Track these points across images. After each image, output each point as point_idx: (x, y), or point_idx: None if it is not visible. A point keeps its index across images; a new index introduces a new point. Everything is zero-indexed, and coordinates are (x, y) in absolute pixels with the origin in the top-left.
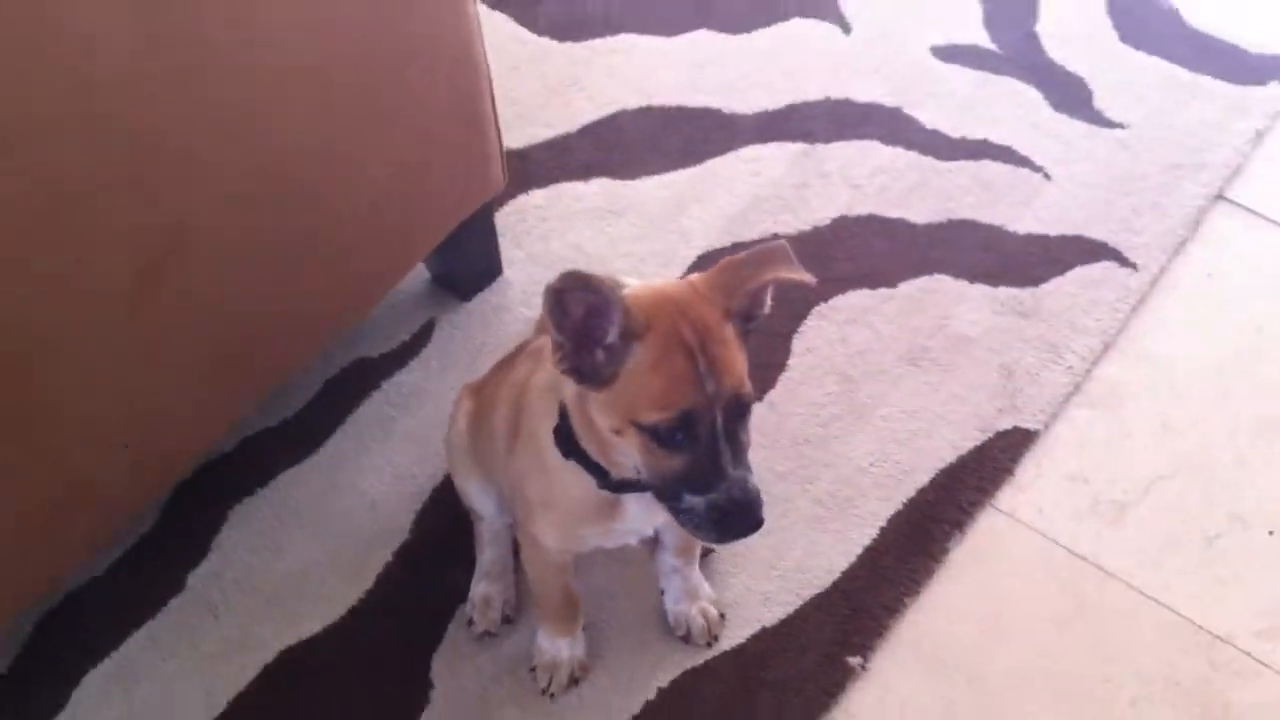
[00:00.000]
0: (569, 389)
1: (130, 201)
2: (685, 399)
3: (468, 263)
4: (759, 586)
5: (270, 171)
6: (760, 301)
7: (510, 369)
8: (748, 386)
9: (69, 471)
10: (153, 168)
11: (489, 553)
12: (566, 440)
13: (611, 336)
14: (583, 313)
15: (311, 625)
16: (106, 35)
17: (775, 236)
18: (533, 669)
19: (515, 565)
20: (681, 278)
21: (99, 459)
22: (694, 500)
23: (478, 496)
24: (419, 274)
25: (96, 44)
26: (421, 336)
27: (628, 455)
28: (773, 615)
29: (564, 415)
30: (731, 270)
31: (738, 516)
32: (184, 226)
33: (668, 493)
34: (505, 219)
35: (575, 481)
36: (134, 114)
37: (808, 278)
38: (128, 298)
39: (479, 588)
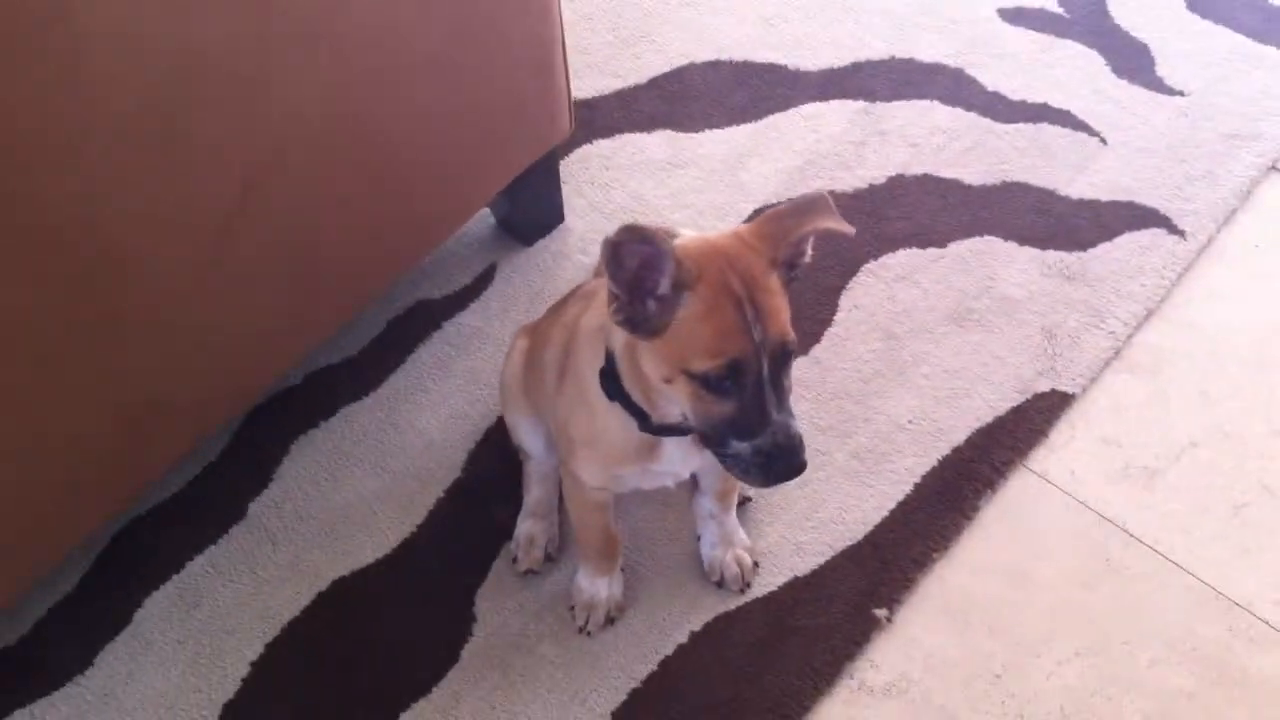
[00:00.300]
0: (619, 338)
1: (230, 132)
2: (735, 347)
3: (531, 209)
4: (793, 536)
5: (351, 111)
6: (802, 251)
7: (563, 310)
8: (792, 335)
9: (152, 383)
10: (249, 104)
11: (535, 492)
12: (612, 383)
13: (663, 288)
14: (637, 264)
15: (364, 556)
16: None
17: (831, 194)
18: (571, 607)
19: (560, 506)
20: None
21: (181, 375)
22: (740, 445)
23: (527, 435)
24: (483, 218)
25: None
26: (483, 280)
27: (674, 402)
28: (805, 565)
29: (610, 359)
30: (775, 221)
31: (782, 460)
32: (273, 161)
33: (715, 438)
34: (569, 167)
35: (617, 422)
36: (235, 52)
37: (848, 227)
38: (222, 221)
39: (524, 526)
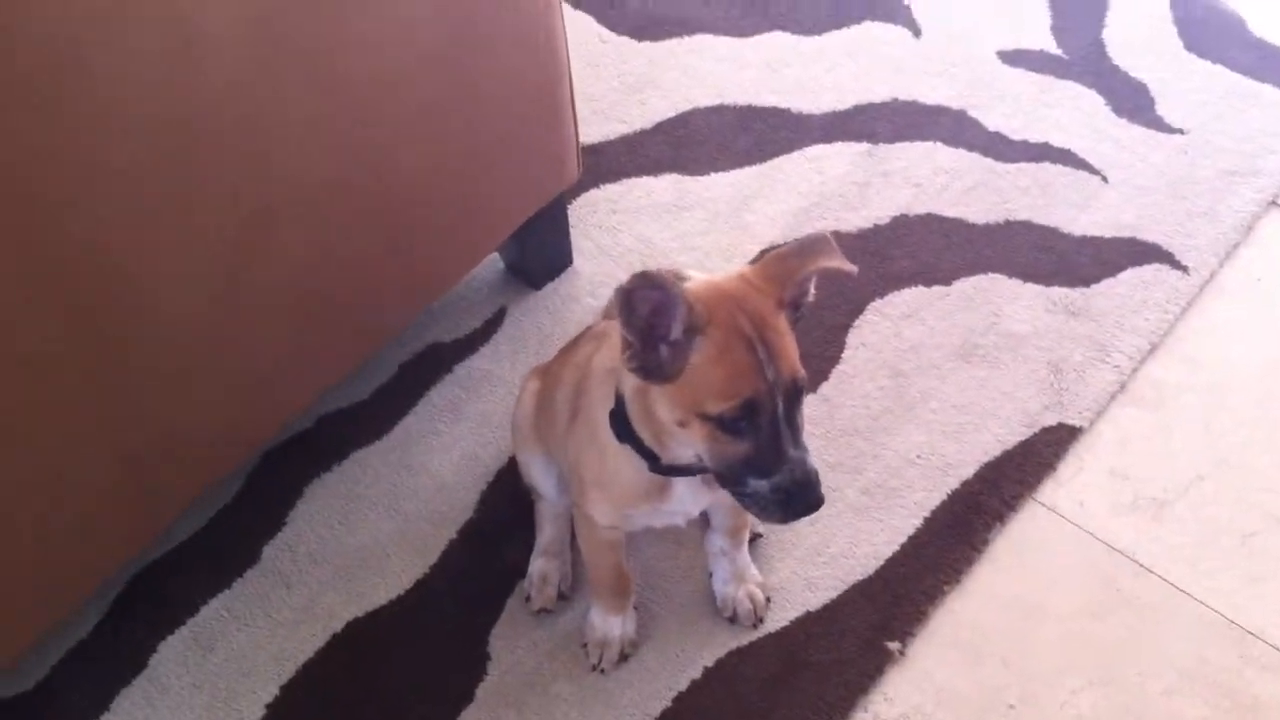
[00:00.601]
0: (629, 382)
1: (240, 176)
2: (749, 388)
3: (540, 252)
4: (804, 571)
5: (360, 158)
6: (806, 290)
7: (574, 351)
8: (803, 372)
9: (164, 428)
10: (258, 148)
11: (548, 531)
12: (622, 425)
13: (676, 333)
14: (649, 310)
15: (378, 598)
16: (224, 37)
17: (835, 235)
18: (585, 645)
19: (572, 544)
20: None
21: (192, 419)
22: (758, 484)
23: (540, 476)
24: (493, 262)
25: (215, 44)
26: (493, 323)
27: (687, 445)
28: (817, 600)
29: (620, 401)
30: (780, 262)
31: (800, 496)
32: (282, 205)
33: (733, 478)
34: (577, 211)
35: (627, 463)
36: (244, 97)
37: (850, 266)
38: (232, 263)
39: (537, 564)
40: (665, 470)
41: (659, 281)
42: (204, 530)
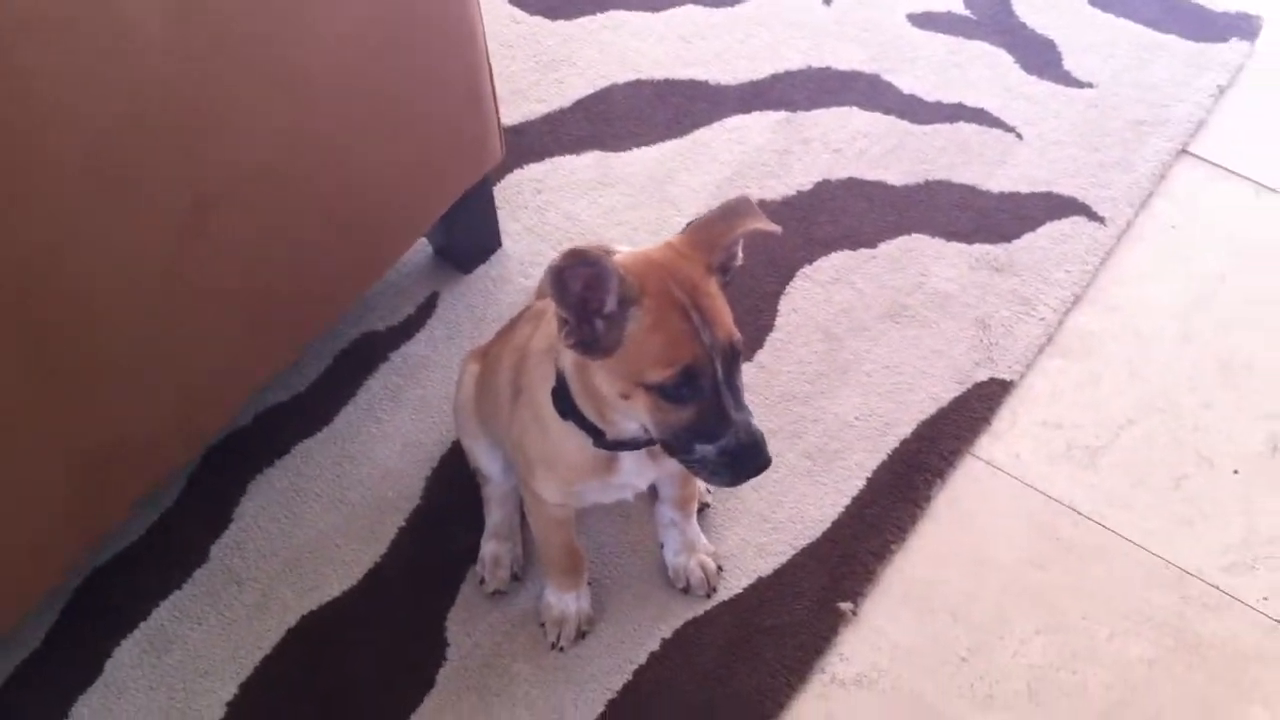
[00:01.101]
0: (568, 359)
1: (180, 171)
2: (687, 354)
3: (468, 236)
4: (753, 538)
5: (295, 145)
6: (734, 254)
7: (512, 333)
8: (738, 334)
9: (110, 427)
10: (197, 143)
11: (496, 513)
12: (564, 402)
13: (610, 305)
14: (581, 286)
15: (331, 589)
16: (158, 31)
17: (760, 202)
18: (542, 624)
19: (522, 525)
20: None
21: (138, 417)
22: (705, 449)
23: (485, 458)
24: (422, 248)
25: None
26: (426, 309)
27: (632, 417)
28: (767, 565)
29: (561, 379)
30: (705, 228)
31: (747, 457)
32: (221, 196)
33: (679, 445)
34: (503, 193)
35: (572, 440)
36: (179, 90)
37: (773, 227)
38: (173, 258)
39: (488, 547)
40: (610, 445)
41: (590, 257)
42: (149, 533)
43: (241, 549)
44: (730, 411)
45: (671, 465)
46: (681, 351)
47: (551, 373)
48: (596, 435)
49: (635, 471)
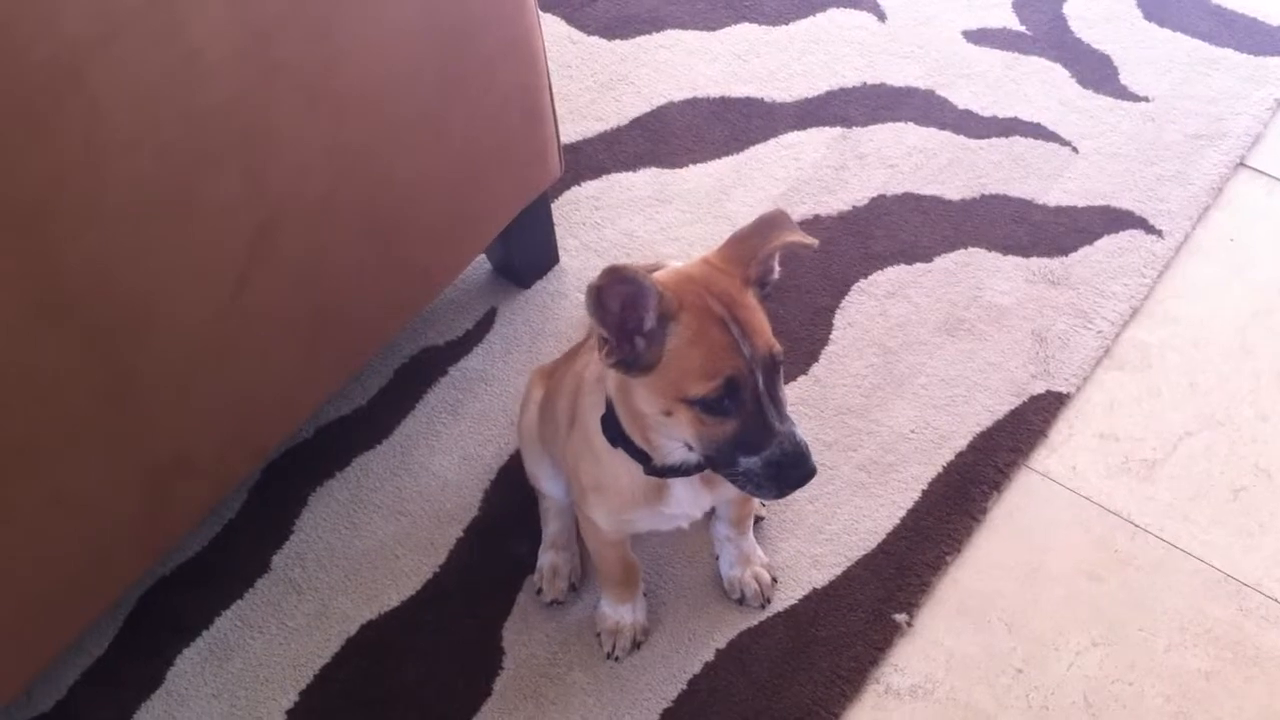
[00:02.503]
0: (612, 381)
1: (239, 190)
2: (728, 365)
3: (526, 252)
4: (808, 550)
5: (352, 165)
6: (770, 268)
7: (575, 358)
8: (778, 345)
9: (174, 442)
10: (256, 161)
11: (554, 525)
12: (613, 429)
13: (649, 322)
14: (619, 305)
15: (389, 599)
16: (221, 56)
17: (815, 218)
18: (598, 634)
19: (578, 537)
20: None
21: (201, 432)
22: (749, 461)
23: (547, 480)
24: (480, 265)
25: (213, 62)
26: (484, 324)
27: (675, 435)
28: (822, 577)
29: (610, 405)
30: (741, 242)
31: (792, 467)
32: (280, 217)
33: (723, 459)
34: (560, 210)
35: (622, 467)
36: (241, 113)
37: (809, 240)
38: (234, 276)
39: (546, 558)
40: (659, 471)
41: (627, 275)
42: (211, 545)
43: (302, 559)
44: (773, 422)
45: (728, 491)
46: (722, 364)
47: (602, 400)
48: (645, 461)
49: (688, 500)
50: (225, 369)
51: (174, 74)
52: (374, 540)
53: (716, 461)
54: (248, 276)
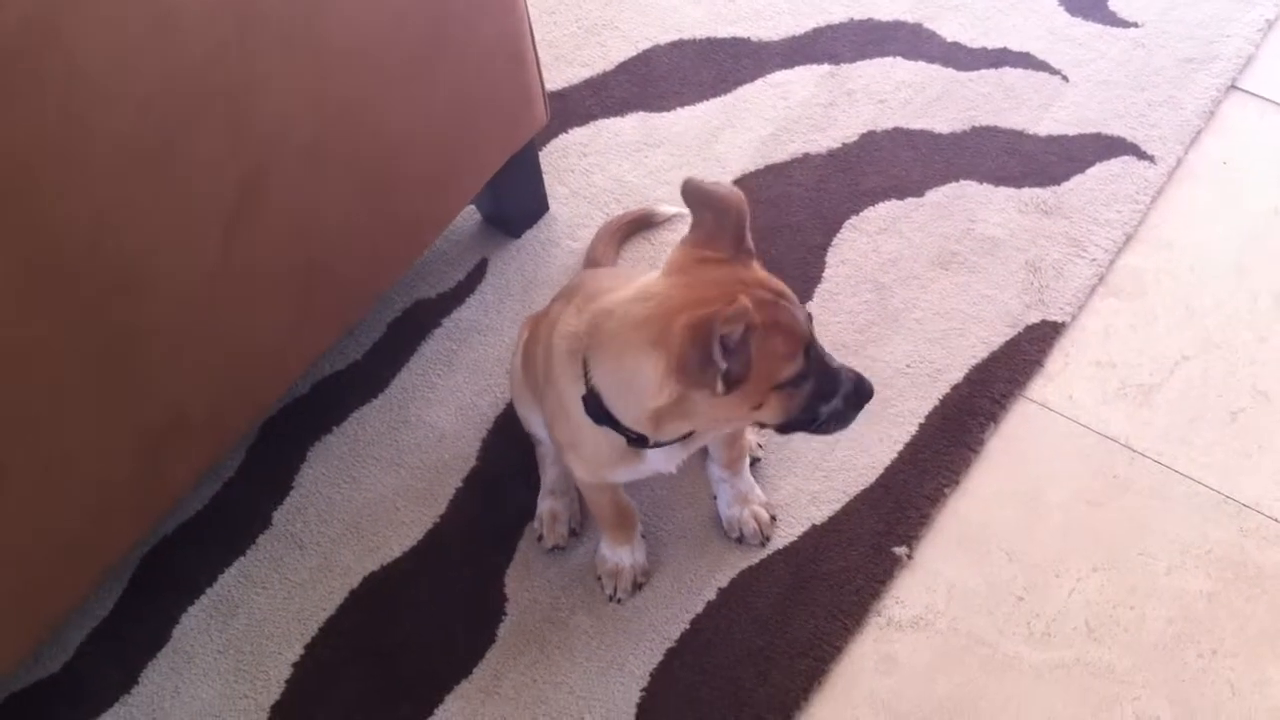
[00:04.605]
0: (662, 397)
1: (224, 142)
2: (800, 338)
3: (516, 201)
4: (807, 487)
5: (337, 115)
6: (743, 236)
7: (550, 306)
8: None
9: (171, 400)
10: (239, 113)
11: (552, 471)
12: (598, 411)
13: (734, 338)
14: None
15: (391, 550)
16: (200, 8)
17: (805, 156)
18: (599, 578)
19: None
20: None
21: (198, 389)
22: (829, 407)
23: (536, 424)
24: (470, 215)
25: (192, 14)
26: (476, 274)
27: (757, 421)
28: (821, 513)
29: (593, 391)
30: (708, 230)
31: (862, 393)
32: (267, 167)
33: (806, 418)
34: (549, 158)
35: (601, 437)
36: (222, 65)
37: (726, 190)
38: (223, 230)
39: (545, 504)
40: (650, 445)
41: (720, 330)
42: (211, 503)
43: (303, 514)
44: (831, 364)
45: (700, 442)
46: (797, 339)
47: (578, 376)
48: (636, 439)
49: (662, 459)
50: (219, 325)
51: (152, 28)
52: (374, 493)
53: (798, 423)
54: (236, 231)
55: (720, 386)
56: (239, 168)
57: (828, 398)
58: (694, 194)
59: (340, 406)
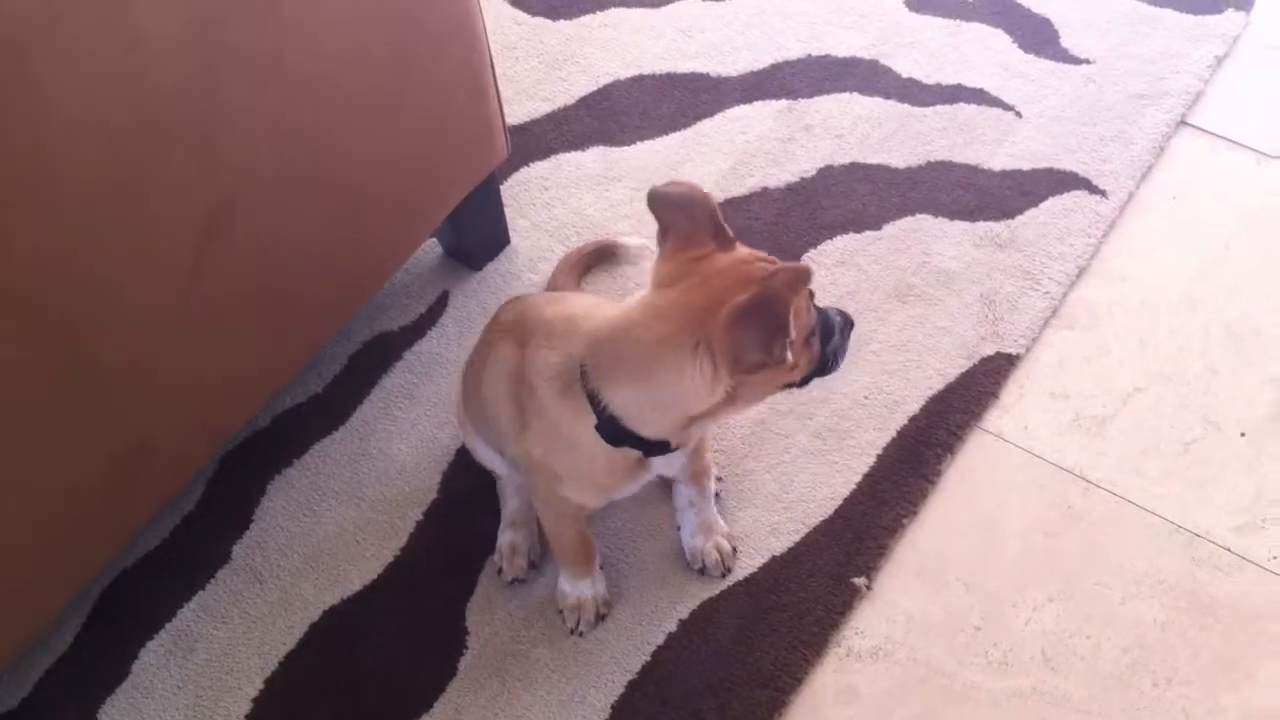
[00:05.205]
0: (715, 393)
1: (190, 175)
2: (807, 291)
3: (477, 234)
4: (767, 518)
5: (301, 148)
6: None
7: (486, 350)
8: None
9: (133, 430)
10: (205, 145)
11: (512, 503)
12: (615, 432)
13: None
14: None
15: (351, 584)
16: (166, 41)
17: (763, 190)
18: (560, 612)
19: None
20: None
21: (160, 420)
22: (833, 344)
23: (486, 456)
24: (431, 248)
25: (158, 47)
26: (437, 307)
27: (789, 380)
28: (781, 544)
29: (610, 416)
30: (685, 231)
31: (847, 323)
32: (232, 201)
33: (821, 362)
34: (510, 191)
35: (610, 454)
36: (189, 98)
37: (694, 187)
38: (188, 262)
39: (505, 537)
40: (664, 451)
41: (795, 296)
42: (171, 537)
43: (263, 548)
44: (819, 307)
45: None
46: (807, 290)
47: (581, 409)
48: (651, 449)
49: (661, 464)
50: (185, 354)
51: (119, 61)
52: (334, 526)
53: (819, 368)
54: (204, 261)
55: (789, 355)
56: (206, 199)
57: (829, 335)
58: (659, 201)
59: (301, 439)
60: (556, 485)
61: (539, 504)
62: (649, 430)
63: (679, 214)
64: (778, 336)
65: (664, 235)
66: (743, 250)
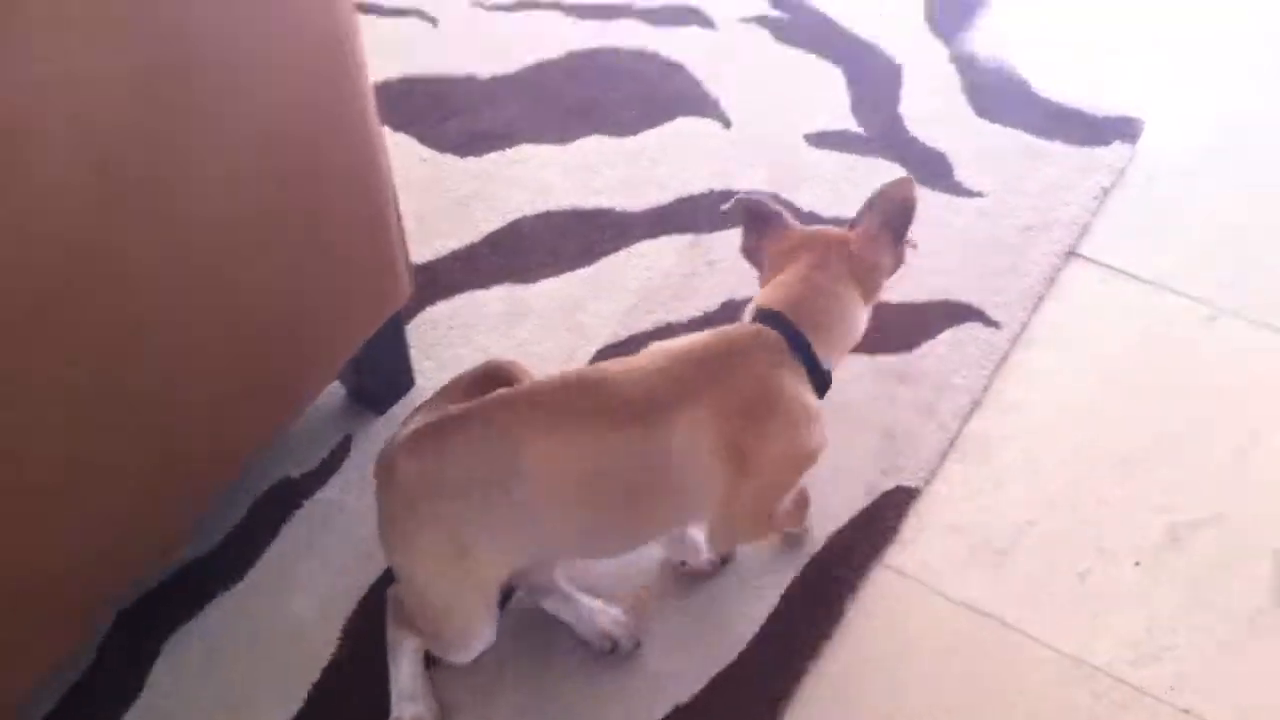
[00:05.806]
0: (869, 314)
1: (83, 309)
2: None
3: (381, 376)
4: (668, 668)
5: (198, 288)
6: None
7: (647, 446)
8: None
9: (13, 579)
10: (100, 289)
11: (406, 668)
12: (824, 377)
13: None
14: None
15: None
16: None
17: (667, 325)
18: None
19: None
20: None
21: (50, 567)
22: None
23: (489, 620)
24: (334, 391)
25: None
26: (339, 452)
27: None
28: (684, 692)
29: (814, 362)
30: (774, 226)
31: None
32: (127, 346)
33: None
34: (416, 331)
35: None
36: (90, 241)
37: (748, 198)
38: (79, 412)
39: (407, 710)
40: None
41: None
42: (59, 708)
43: (156, 712)
44: None
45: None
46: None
47: (797, 380)
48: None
49: None
50: (73, 506)
51: (16, 205)
52: (229, 688)
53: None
54: (88, 408)
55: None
56: (98, 342)
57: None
58: (740, 213)
59: (197, 597)
60: (796, 475)
61: (748, 538)
62: (838, 351)
63: (755, 219)
64: (901, 238)
65: (751, 235)
66: (804, 228)
